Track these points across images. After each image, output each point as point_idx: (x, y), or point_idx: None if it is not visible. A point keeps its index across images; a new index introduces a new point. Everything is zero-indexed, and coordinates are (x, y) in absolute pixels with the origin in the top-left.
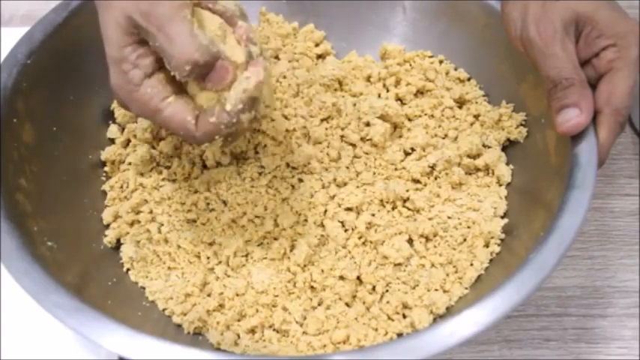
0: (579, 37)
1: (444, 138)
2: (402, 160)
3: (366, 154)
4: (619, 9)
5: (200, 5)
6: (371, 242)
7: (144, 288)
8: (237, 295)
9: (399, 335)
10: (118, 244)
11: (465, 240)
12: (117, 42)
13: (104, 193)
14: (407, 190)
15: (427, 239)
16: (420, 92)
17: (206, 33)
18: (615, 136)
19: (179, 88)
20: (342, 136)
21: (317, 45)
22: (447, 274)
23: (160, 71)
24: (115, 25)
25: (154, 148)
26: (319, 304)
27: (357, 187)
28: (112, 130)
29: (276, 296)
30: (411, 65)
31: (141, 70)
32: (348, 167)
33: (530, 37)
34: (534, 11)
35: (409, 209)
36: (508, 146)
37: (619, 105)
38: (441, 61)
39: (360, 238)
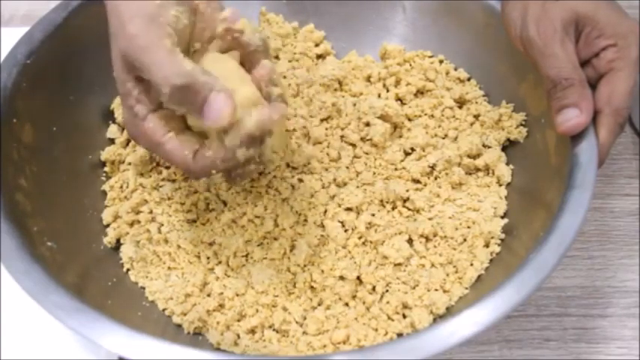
0: (579, 37)
1: (444, 138)
2: (402, 160)
3: (366, 154)
4: (619, 9)
5: (226, 36)
6: (371, 242)
7: (144, 288)
8: (237, 295)
9: (399, 335)
10: (118, 244)
11: (465, 240)
12: (121, 78)
13: (104, 193)
14: (407, 190)
15: (427, 239)
16: (420, 92)
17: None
18: (615, 136)
19: (186, 125)
20: (342, 136)
21: (317, 45)
22: (447, 274)
23: (164, 108)
24: (117, 61)
25: None
26: (319, 304)
27: (357, 187)
28: (112, 130)
29: (276, 296)
30: (411, 65)
31: (144, 105)
32: (348, 167)
33: (530, 36)
34: (534, 11)
35: (409, 209)
36: (508, 146)
37: (619, 105)
38: (441, 61)
39: (360, 238)
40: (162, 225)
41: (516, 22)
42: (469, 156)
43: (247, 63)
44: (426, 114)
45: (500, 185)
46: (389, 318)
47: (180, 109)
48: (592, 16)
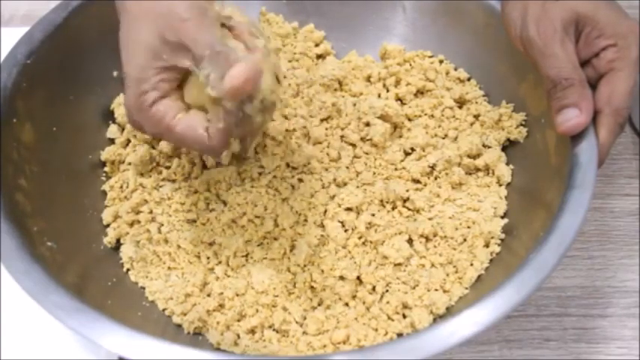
0: (579, 37)
1: (444, 138)
2: (402, 160)
3: (366, 154)
4: (619, 9)
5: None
6: (371, 242)
7: (144, 288)
8: (237, 295)
9: (399, 335)
10: (118, 244)
11: (465, 240)
12: (142, 64)
13: (104, 193)
14: (407, 190)
15: (427, 239)
16: (420, 92)
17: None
18: (615, 136)
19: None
20: (342, 136)
21: (317, 45)
22: (447, 274)
23: (173, 93)
24: (142, 45)
25: (153, 148)
26: (319, 304)
27: (357, 187)
28: (112, 130)
29: (276, 296)
30: (411, 65)
31: (158, 92)
32: (348, 167)
33: (530, 36)
34: (534, 11)
35: (409, 209)
36: (508, 146)
37: (619, 105)
38: (441, 61)
39: (360, 238)
40: (162, 225)
41: (516, 22)
42: (469, 156)
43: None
44: (426, 114)
45: (500, 185)
46: (389, 318)
47: (212, 76)
48: (592, 16)
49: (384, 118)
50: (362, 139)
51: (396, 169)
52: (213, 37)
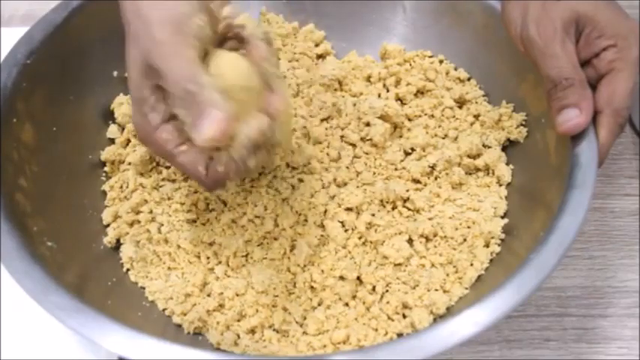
0: (579, 38)
1: (444, 138)
2: (402, 160)
3: (366, 154)
4: (619, 9)
5: (227, 32)
6: (371, 242)
7: (144, 288)
8: (237, 295)
9: (399, 335)
10: (118, 244)
11: (465, 240)
12: (137, 84)
13: (104, 193)
14: (407, 190)
15: (427, 239)
16: (420, 92)
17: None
18: (615, 136)
19: None
20: (342, 136)
21: (317, 45)
22: (447, 274)
23: (178, 119)
24: (134, 65)
25: None
26: (319, 305)
27: (357, 187)
28: (112, 130)
29: (276, 296)
30: (411, 65)
31: (159, 114)
32: (348, 167)
33: (531, 36)
34: (534, 11)
35: (409, 209)
36: (508, 146)
37: (619, 105)
38: (441, 61)
39: (360, 238)
40: (162, 225)
41: (517, 22)
42: (469, 156)
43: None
44: (426, 114)
45: (501, 185)
46: (389, 318)
47: (183, 116)
48: (592, 16)
49: (384, 118)
50: (362, 139)
51: (396, 169)
52: (186, 68)
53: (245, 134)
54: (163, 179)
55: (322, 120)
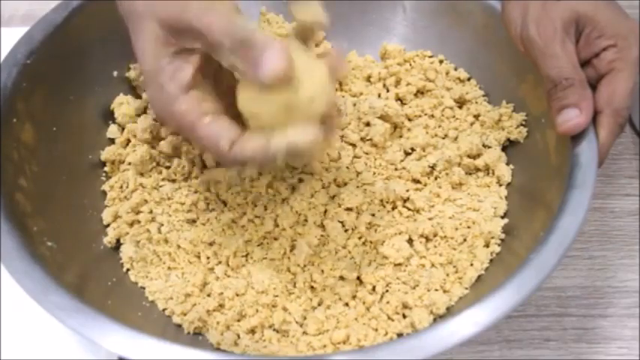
0: (579, 37)
1: (444, 138)
2: (402, 160)
3: (366, 154)
4: (619, 9)
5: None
6: (371, 242)
7: (144, 288)
8: (237, 295)
9: (399, 335)
10: (118, 244)
11: (465, 240)
12: (153, 54)
13: (104, 193)
14: (407, 190)
15: (427, 239)
16: (420, 92)
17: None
18: (615, 136)
19: (223, 107)
20: (342, 136)
21: (317, 45)
22: (447, 274)
23: (199, 88)
24: (150, 36)
25: (153, 148)
26: (319, 304)
27: (357, 187)
28: (112, 130)
29: (276, 296)
30: (411, 65)
31: (177, 83)
32: (348, 167)
33: (531, 36)
34: (534, 11)
35: (409, 209)
36: (508, 146)
37: (619, 105)
38: (441, 61)
39: (360, 238)
40: (162, 225)
41: (517, 22)
42: (469, 156)
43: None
44: (426, 114)
45: (501, 185)
46: (389, 318)
47: (238, 65)
48: (592, 16)
49: (384, 118)
50: (362, 139)
51: (396, 169)
52: (229, 18)
53: (297, 138)
54: (163, 179)
55: None
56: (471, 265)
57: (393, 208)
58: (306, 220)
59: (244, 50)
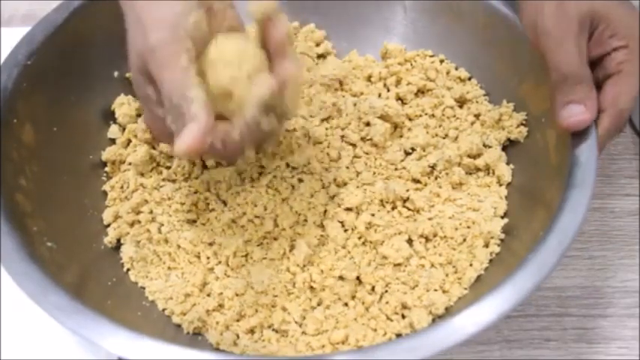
0: (592, 34)
1: (444, 138)
2: (403, 160)
3: (366, 154)
4: (634, 10)
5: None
6: (371, 242)
7: (144, 288)
8: (237, 295)
9: (398, 335)
10: (118, 244)
11: (464, 240)
12: (138, 82)
13: (104, 193)
14: (407, 190)
15: (427, 239)
16: (420, 92)
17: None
18: (611, 137)
19: None
20: (342, 136)
21: (318, 45)
22: (447, 275)
23: None
24: (135, 65)
25: (154, 148)
26: (318, 305)
27: (357, 187)
28: (113, 131)
29: (276, 296)
30: (411, 65)
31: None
32: (348, 167)
33: (546, 28)
34: (552, 3)
35: (409, 209)
36: (508, 146)
37: (622, 107)
38: (441, 61)
39: (359, 238)
40: (163, 225)
41: (532, 13)
42: (469, 156)
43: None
44: (426, 113)
45: (501, 185)
46: (388, 318)
47: (169, 123)
48: (607, 14)
49: (384, 117)
50: (362, 139)
51: (396, 169)
52: (177, 79)
53: (255, 94)
54: (164, 179)
55: (322, 120)
56: (471, 265)
57: (393, 208)
58: (305, 220)
59: (177, 116)
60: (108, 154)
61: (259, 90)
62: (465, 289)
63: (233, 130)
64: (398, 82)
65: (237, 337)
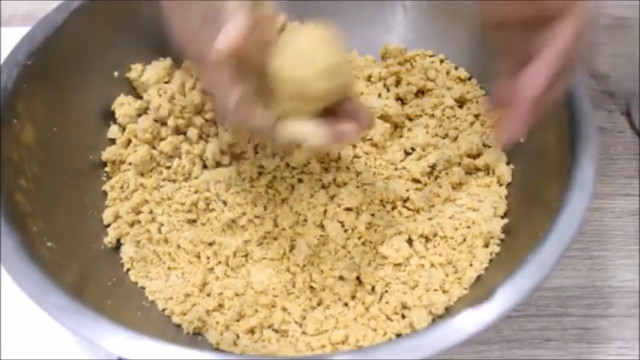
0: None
1: (444, 138)
2: (402, 160)
3: (366, 154)
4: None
5: None
6: (370, 242)
7: (144, 288)
8: (237, 295)
9: (398, 335)
10: (118, 244)
11: (464, 240)
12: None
13: (104, 193)
14: (407, 190)
15: (427, 239)
16: (420, 92)
17: None
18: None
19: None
20: None
21: None
22: (447, 275)
23: None
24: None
25: (154, 148)
26: (318, 305)
27: (357, 187)
28: (113, 131)
29: (276, 296)
30: (411, 65)
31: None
32: (348, 167)
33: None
34: None
35: (409, 209)
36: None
37: (534, 94)
38: (441, 61)
39: (359, 238)
40: (163, 225)
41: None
42: (469, 156)
43: None
44: (426, 113)
45: (501, 185)
46: (388, 318)
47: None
48: None
49: (384, 117)
50: (362, 138)
51: (396, 169)
52: None
53: (303, 135)
54: (164, 179)
55: None
56: (471, 265)
57: (393, 208)
58: (305, 220)
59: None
60: (108, 154)
61: (313, 139)
62: (465, 289)
63: (259, 113)
64: (398, 82)
65: (237, 337)
